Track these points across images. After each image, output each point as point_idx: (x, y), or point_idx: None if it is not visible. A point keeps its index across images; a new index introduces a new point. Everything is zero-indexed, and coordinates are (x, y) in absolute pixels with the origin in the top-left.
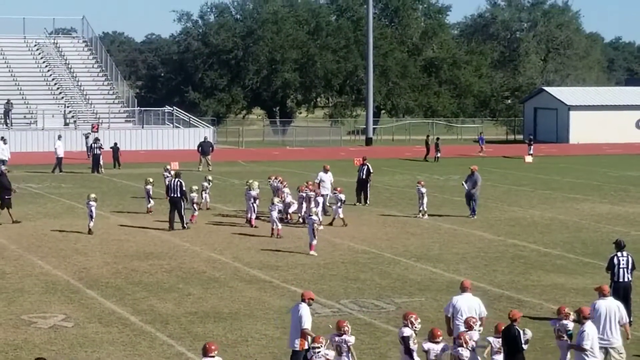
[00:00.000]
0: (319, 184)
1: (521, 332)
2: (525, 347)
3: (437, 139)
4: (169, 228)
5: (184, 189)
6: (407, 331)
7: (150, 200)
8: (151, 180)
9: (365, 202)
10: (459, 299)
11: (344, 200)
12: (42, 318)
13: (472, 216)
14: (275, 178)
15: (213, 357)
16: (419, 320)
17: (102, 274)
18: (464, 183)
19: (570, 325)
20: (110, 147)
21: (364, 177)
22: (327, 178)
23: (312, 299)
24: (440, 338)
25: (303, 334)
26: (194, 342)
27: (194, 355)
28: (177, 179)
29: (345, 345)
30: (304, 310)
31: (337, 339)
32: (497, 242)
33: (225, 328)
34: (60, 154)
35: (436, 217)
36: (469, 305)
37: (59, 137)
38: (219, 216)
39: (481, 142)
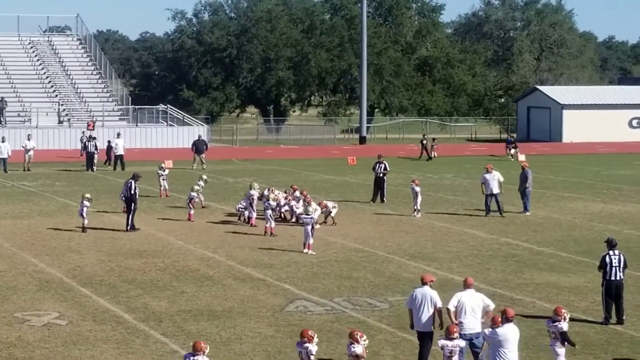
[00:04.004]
0: (482, 184)
1: None
2: None
3: (434, 139)
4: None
5: (132, 191)
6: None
7: (253, 212)
8: (256, 186)
9: (382, 200)
10: (463, 295)
11: (331, 211)
12: (35, 316)
13: (524, 212)
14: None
15: (195, 356)
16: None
17: (95, 272)
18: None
19: (565, 326)
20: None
21: (381, 175)
22: (492, 177)
23: (433, 281)
24: (456, 335)
25: (439, 313)
26: (187, 340)
27: None
28: (130, 180)
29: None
30: (433, 292)
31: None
32: (490, 240)
33: (218, 326)
34: (121, 151)
35: (430, 215)
36: (472, 301)
37: (118, 135)
38: (212, 214)
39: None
